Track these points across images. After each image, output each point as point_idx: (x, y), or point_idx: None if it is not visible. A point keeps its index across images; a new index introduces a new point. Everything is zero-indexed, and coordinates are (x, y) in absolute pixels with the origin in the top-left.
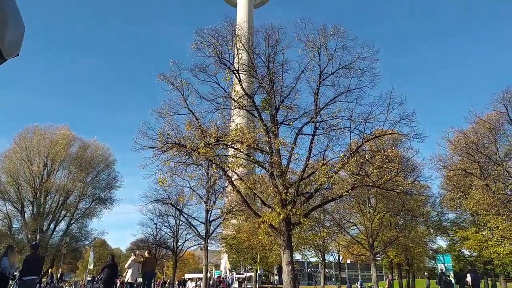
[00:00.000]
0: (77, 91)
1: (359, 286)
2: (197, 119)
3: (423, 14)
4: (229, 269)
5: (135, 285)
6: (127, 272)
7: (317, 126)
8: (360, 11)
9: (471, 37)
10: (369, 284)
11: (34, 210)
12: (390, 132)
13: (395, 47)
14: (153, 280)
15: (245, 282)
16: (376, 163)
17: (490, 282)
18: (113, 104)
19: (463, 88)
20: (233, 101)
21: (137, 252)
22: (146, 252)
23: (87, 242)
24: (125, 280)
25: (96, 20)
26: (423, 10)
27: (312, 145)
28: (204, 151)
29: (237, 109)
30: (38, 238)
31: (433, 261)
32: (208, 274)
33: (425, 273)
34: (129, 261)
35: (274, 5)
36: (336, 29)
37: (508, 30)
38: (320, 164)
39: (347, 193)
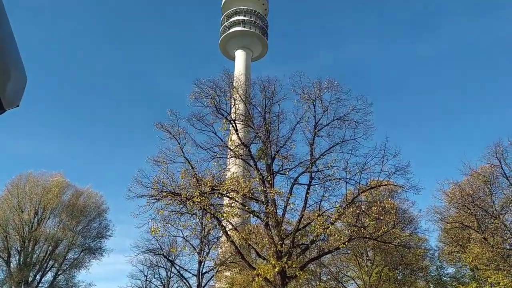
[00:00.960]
0: (73, 137)
1: None
2: (192, 168)
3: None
4: None
5: None
6: None
7: (312, 176)
8: (353, 62)
9: (462, 90)
10: None
11: (21, 260)
12: (386, 183)
13: (388, 98)
14: None
15: None
16: (373, 214)
17: None
18: (109, 151)
19: (456, 139)
20: (229, 150)
21: None
22: None
23: None
24: None
25: (93, 66)
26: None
27: (308, 195)
28: (199, 200)
29: (233, 158)
30: None
31: None
32: None
33: None
34: None
35: (270, 59)
36: (330, 83)
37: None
38: (316, 214)
39: (344, 245)
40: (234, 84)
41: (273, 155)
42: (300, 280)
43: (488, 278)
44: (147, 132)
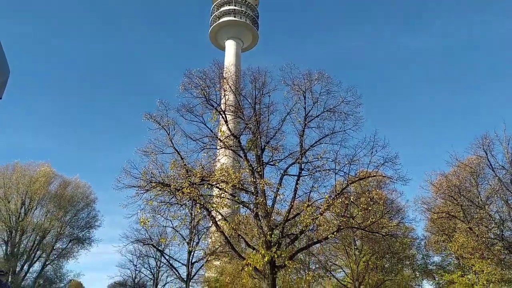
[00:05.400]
0: (61, 128)
1: None
2: (182, 159)
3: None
4: None
5: None
6: None
7: (302, 167)
8: (345, 55)
9: (451, 85)
10: None
11: (8, 250)
12: (375, 174)
13: (380, 92)
14: None
15: None
16: (361, 204)
17: None
18: (97, 142)
19: (443, 132)
20: (219, 141)
21: None
22: None
23: (62, 285)
24: None
25: (82, 57)
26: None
27: (297, 186)
28: (189, 190)
29: (223, 149)
30: (9, 280)
31: None
32: None
33: None
34: None
35: (261, 49)
36: (320, 74)
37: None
38: (305, 205)
39: (333, 235)
40: (224, 75)
41: (263, 146)
42: (289, 270)
43: (473, 267)
44: (136, 123)
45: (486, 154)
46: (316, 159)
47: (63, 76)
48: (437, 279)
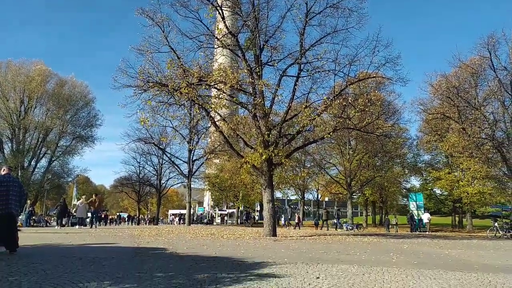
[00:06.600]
0: (52, 24)
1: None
2: (178, 58)
3: None
4: (211, 206)
5: (84, 220)
6: (77, 209)
7: (301, 68)
8: None
9: None
10: (344, 220)
11: (14, 147)
12: (375, 75)
13: None
14: (97, 217)
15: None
16: (359, 106)
17: (457, 218)
18: (90, 40)
19: (451, 31)
20: (216, 39)
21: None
22: (94, 195)
23: (70, 179)
24: (75, 215)
25: None
26: None
27: (296, 87)
28: (186, 91)
29: (220, 48)
30: (18, 174)
31: (405, 199)
32: (192, 211)
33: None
34: (79, 202)
35: None
36: None
37: None
38: (303, 106)
39: (329, 136)
40: None
41: (261, 46)
42: (285, 167)
43: (460, 165)
44: (129, 20)
45: (490, 54)
46: (316, 60)
47: None
48: (424, 175)
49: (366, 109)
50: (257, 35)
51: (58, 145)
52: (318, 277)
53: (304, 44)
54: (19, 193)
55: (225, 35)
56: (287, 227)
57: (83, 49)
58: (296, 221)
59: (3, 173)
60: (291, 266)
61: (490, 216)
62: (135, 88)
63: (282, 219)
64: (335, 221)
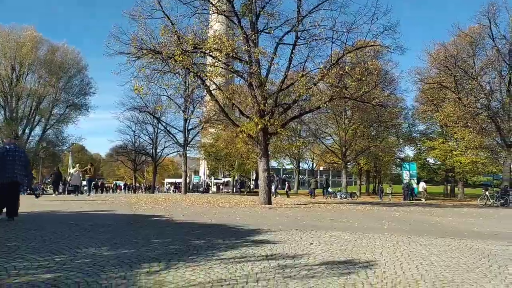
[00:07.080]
0: None
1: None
2: (172, 24)
3: None
4: (207, 175)
5: (79, 187)
6: (72, 177)
7: (298, 36)
8: None
9: None
10: (339, 189)
11: (7, 114)
12: (372, 43)
13: None
14: (92, 184)
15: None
16: (356, 75)
17: (449, 187)
18: (82, 2)
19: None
20: (211, 5)
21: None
22: (89, 164)
23: (65, 147)
24: (70, 183)
25: None
26: None
27: (292, 55)
28: (181, 58)
29: (215, 15)
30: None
31: (399, 169)
32: (188, 179)
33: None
34: (73, 170)
35: None
36: None
37: None
38: (300, 75)
39: (325, 105)
40: None
41: (258, 12)
42: (281, 137)
43: (455, 134)
44: None
45: (490, 23)
46: (313, 27)
47: None
48: (418, 145)
49: (363, 79)
50: (254, 0)
51: (52, 113)
52: (311, 243)
53: (301, 10)
54: (25, 162)
55: (220, 0)
56: (274, 196)
57: (75, 16)
58: (286, 189)
59: (8, 142)
60: (286, 233)
61: (481, 185)
62: (128, 55)
63: (273, 188)
64: (325, 190)
